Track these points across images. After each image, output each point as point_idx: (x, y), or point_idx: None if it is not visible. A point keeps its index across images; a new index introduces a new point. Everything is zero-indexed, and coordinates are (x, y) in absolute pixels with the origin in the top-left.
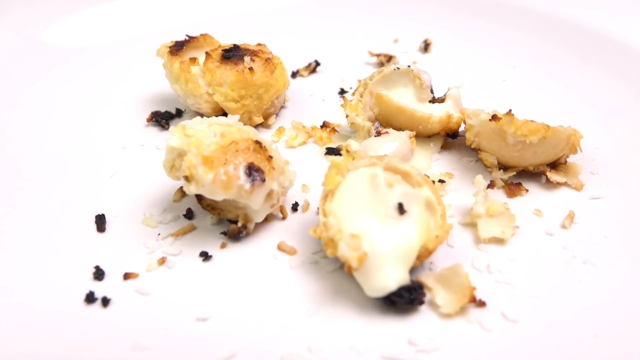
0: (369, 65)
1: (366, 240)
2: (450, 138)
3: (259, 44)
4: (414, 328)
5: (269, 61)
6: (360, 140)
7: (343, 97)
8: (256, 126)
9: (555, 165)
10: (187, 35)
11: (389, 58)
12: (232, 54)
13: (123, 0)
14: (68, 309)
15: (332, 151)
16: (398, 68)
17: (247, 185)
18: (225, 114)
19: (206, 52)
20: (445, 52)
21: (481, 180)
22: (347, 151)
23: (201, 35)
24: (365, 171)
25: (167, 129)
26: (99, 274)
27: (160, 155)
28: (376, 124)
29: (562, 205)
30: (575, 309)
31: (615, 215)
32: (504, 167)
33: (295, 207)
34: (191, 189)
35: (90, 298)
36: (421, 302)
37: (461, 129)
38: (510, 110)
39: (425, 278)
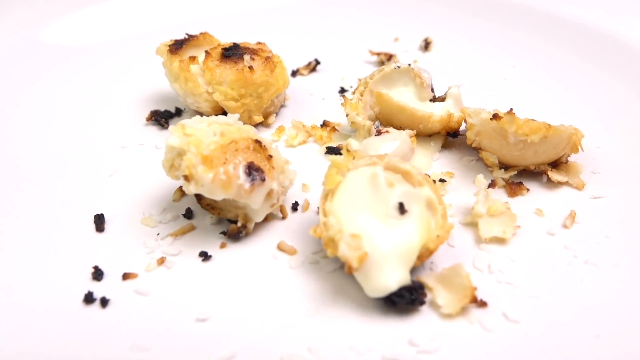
0: (369, 64)
1: (366, 240)
2: (450, 137)
3: (259, 43)
4: (415, 328)
5: (269, 60)
6: (360, 140)
7: (343, 96)
8: (256, 125)
9: (556, 164)
10: (186, 34)
11: (389, 57)
12: (232, 53)
13: None
14: (67, 309)
15: (332, 150)
16: (399, 67)
17: (247, 185)
18: (225, 113)
19: (206, 51)
20: (446, 51)
21: (482, 180)
22: (348, 150)
23: (201, 33)
24: (365, 170)
25: (167, 128)
26: (97, 274)
27: (160, 154)
28: (376, 123)
29: (564, 205)
30: (577, 309)
31: (616, 214)
32: (504, 166)
33: (295, 206)
34: (190, 189)
35: (89, 298)
36: (422, 303)
37: (462, 128)
38: (511, 109)
39: (426, 278)
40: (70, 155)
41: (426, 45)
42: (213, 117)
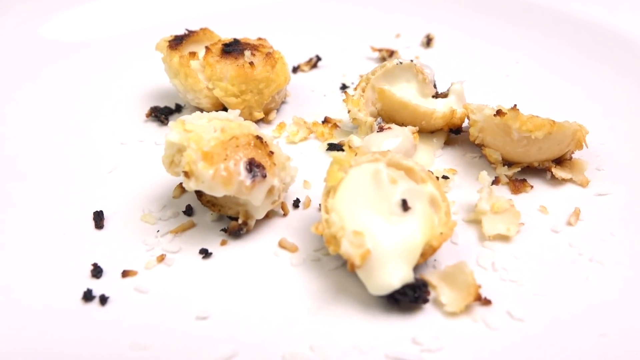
0: (371, 60)
1: (369, 237)
2: (453, 134)
3: (260, 39)
4: (418, 327)
5: (270, 56)
6: (362, 136)
7: (345, 92)
8: (257, 122)
9: (560, 161)
10: (186, 30)
11: (391, 53)
12: (233, 49)
13: None
14: (65, 307)
15: (333, 147)
16: (401, 62)
17: (248, 181)
18: (225, 109)
19: (206, 47)
20: (447, 47)
21: (486, 177)
22: (350, 147)
23: (201, 29)
24: (368, 167)
25: (167, 124)
26: (97, 272)
27: (160, 150)
28: (378, 119)
29: (568, 202)
30: (582, 307)
31: (621, 211)
32: (508, 163)
33: (296, 203)
34: (191, 185)
35: (88, 296)
36: (425, 301)
37: (465, 124)
38: (515, 105)
39: (430, 276)
40: (69, 151)
41: (428, 42)
42: (213, 113)
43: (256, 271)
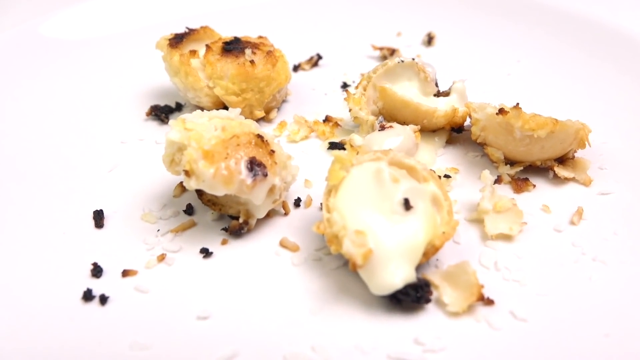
0: (372, 58)
1: (371, 236)
2: (455, 132)
3: (260, 37)
4: (421, 327)
5: (271, 54)
6: (363, 135)
7: (346, 91)
8: (258, 120)
9: (562, 160)
10: (187, 28)
11: (392, 51)
12: (233, 47)
13: None
14: (65, 306)
15: (335, 146)
16: (402, 61)
17: (249, 180)
18: (226, 108)
19: (206, 45)
20: (449, 45)
21: (488, 176)
22: (351, 146)
23: (201, 27)
24: (369, 166)
25: (167, 123)
26: (97, 271)
27: (160, 149)
28: (380, 118)
29: (571, 201)
30: (585, 307)
31: (624, 210)
32: (510, 162)
33: (297, 202)
34: (191, 184)
35: (88, 296)
36: (428, 300)
37: (467, 123)
38: (517, 103)
39: (432, 275)
40: (69, 150)
41: (429, 40)
42: (214, 112)
43: (257, 271)
